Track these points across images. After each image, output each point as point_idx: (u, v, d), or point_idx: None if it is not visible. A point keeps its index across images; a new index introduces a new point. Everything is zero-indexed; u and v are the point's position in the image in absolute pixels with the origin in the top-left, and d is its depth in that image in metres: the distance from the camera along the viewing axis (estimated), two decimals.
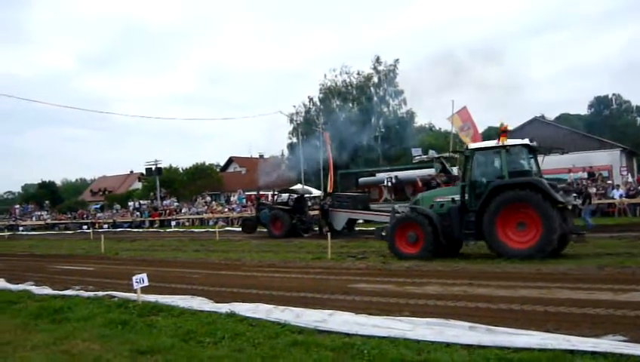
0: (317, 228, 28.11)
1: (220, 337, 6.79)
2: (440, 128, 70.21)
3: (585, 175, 31.71)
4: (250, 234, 28.94)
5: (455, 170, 31.07)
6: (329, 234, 18.50)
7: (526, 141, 14.70)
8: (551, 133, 47.17)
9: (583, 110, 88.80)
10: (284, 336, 6.73)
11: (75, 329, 7.87)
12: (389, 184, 34.73)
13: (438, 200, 15.21)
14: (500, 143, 13.95)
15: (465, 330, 6.35)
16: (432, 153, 30.74)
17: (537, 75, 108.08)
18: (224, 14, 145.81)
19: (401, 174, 35.57)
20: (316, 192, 44.42)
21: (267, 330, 7.04)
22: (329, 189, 35.73)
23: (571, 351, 5.29)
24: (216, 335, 6.89)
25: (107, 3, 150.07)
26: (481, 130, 33.63)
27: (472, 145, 15.24)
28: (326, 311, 7.80)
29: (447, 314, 7.22)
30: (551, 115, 74.59)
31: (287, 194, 29.76)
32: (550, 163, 34.60)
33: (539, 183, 13.40)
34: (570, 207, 14.27)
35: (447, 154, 28.59)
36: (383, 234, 15.81)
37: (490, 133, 40.97)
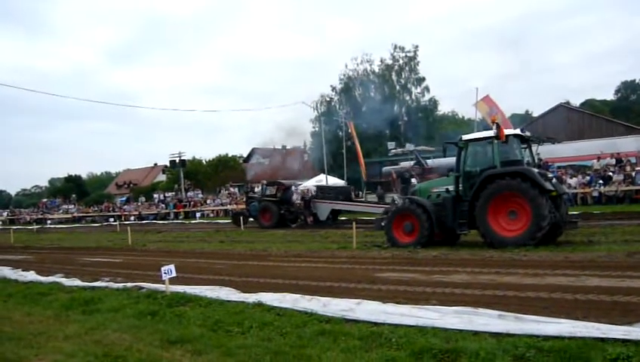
0: (302, 219, 29.07)
1: (247, 327, 6.85)
2: (463, 116, 69.49)
3: (613, 161, 31.15)
4: (240, 227, 29.60)
5: (430, 162, 31.34)
6: (354, 223, 18.49)
7: (517, 131, 15.00)
8: (576, 119, 46.54)
9: (609, 95, 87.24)
10: (311, 325, 6.75)
11: (106, 319, 8.01)
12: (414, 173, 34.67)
13: (435, 190, 15.67)
14: (496, 134, 13.94)
15: (493, 319, 6.30)
16: (408, 146, 31.20)
17: (563, 60, 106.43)
18: (246, 4, 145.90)
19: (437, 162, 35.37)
20: (340, 182, 44.42)
21: (294, 320, 7.07)
22: (364, 178, 35.68)
23: (602, 339, 5.22)
24: (244, 324, 6.95)
25: None
26: (506, 115, 33.42)
27: (466, 137, 15.40)
28: (353, 300, 7.80)
29: (475, 303, 7.18)
30: (576, 101, 73.47)
31: (274, 187, 30.61)
32: (580, 150, 34.31)
33: (528, 172, 13.53)
34: (563, 195, 14.55)
35: (420, 148, 29.18)
36: (383, 224, 16.10)
37: (514, 121, 40.55)
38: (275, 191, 29.77)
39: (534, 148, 15.18)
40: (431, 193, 15.64)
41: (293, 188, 30.08)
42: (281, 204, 29.07)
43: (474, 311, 6.66)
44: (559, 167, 31.39)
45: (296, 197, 28.74)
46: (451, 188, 15.00)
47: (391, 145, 36.86)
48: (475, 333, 5.89)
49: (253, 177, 40.99)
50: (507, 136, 14.11)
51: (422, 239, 14.71)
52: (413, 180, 26.38)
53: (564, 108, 50.05)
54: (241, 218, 30.30)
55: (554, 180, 14.58)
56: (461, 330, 6.01)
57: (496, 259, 11.75)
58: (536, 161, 15.01)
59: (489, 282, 9.15)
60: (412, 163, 35.54)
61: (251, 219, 30.46)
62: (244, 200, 33.93)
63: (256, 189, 34.98)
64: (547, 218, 13.09)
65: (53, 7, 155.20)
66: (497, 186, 13.70)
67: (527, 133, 15.12)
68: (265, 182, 32.91)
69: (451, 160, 29.54)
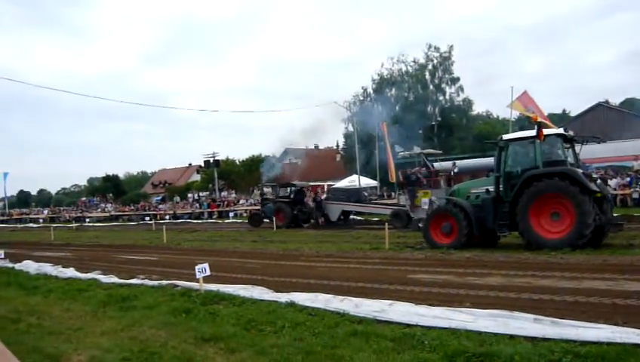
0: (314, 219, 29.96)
1: (280, 326, 6.89)
2: (497, 116, 68.55)
3: None
4: (256, 228, 30.55)
5: (437, 165, 31.62)
6: (386, 225, 18.40)
7: (560, 130, 14.56)
8: (615, 119, 45.41)
9: None
10: (343, 326, 6.76)
11: (142, 316, 8.16)
12: (452, 173, 34.38)
13: (474, 191, 15.34)
14: (540, 136, 13.61)
15: (529, 322, 6.20)
16: (416, 149, 31.46)
17: (601, 58, 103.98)
18: (277, 6, 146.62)
19: (462, 163, 35.13)
20: (372, 183, 44.28)
21: (327, 320, 7.09)
22: (391, 179, 35.77)
23: None
24: (277, 324, 6.99)
25: (165, 0, 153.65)
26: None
27: (506, 136, 15.10)
28: (385, 301, 7.78)
29: (510, 306, 7.07)
30: (616, 100, 71.66)
31: (288, 188, 31.62)
32: (619, 150, 33.47)
33: (573, 173, 13.16)
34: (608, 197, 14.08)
35: (427, 151, 29.46)
36: (420, 225, 15.81)
37: (551, 120, 39.75)
38: (289, 193, 30.64)
39: (577, 148, 14.70)
40: (470, 194, 15.35)
41: (305, 189, 31.31)
42: (294, 204, 29.86)
43: (509, 314, 6.57)
44: (598, 168, 30.68)
45: (308, 199, 29.96)
46: (491, 188, 14.68)
47: (399, 148, 37.08)
48: (510, 337, 5.82)
49: (282, 177, 41.34)
50: (547, 136, 13.81)
51: (461, 240, 14.47)
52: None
53: (603, 107, 48.91)
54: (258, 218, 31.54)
55: (598, 181, 14.13)
56: (495, 334, 5.94)
57: (531, 262, 11.56)
58: (578, 161, 14.57)
59: (524, 285, 9.01)
60: (451, 163, 35.24)
61: (267, 220, 31.05)
62: (260, 201, 34.86)
63: (264, 190, 35.76)
64: (592, 220, 12.72)
65: (90, 13, 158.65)
66: (540, 187, 13.37)
67: (571, 133, 14.64)
68: (279, 184, 33.98)
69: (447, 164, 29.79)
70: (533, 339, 5.68)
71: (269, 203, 31.42)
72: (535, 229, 13.44)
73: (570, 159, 14.31)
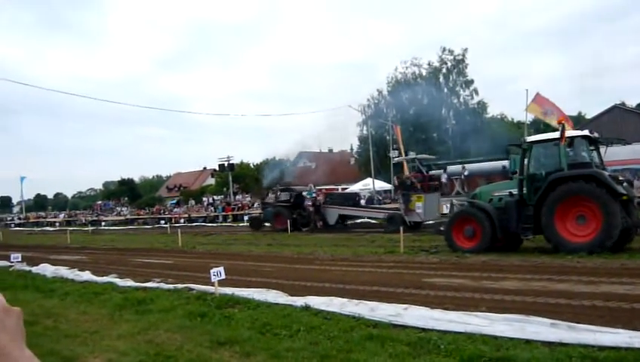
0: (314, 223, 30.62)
1: (295, 330, 6.90)
2: (512, 119, 68.03)
3: None
4: (257, 231, 31.37)
5: (449, 169, 32.13)
6: (402, 228, 18.37)
7: (585, 132, 14.36)
8: (632, 121, 44.92)
9: None
10: (358, 330, 6.75)
11: (157, 320, 8.20)
12: (462, 176, 34.41)
13: (497, 194, 15.14)
14: (562, 138, 13.46)
15: (546, 327, 6.16)
16: (411, 154, 32.16)
17: (616, 60, 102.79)
18: (291, 10, 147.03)
19: (472, 167, 35.10)
20: (386, 186, 44.20)
21: (342, 324, 7.08)
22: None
23: None
24: (292, 327, 7.00)
25: (179, 5, 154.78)
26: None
27: (530, 138, 14.92)
28: (400, 305, 7.76)
29: (526, 310, 7.03)
30: (633, 102, 70.92)
31: (287, 192, 32.19)
32: (636, 152, 33.11)
33: (599, 175, 12.97)
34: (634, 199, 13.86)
35: (420, 156, 30.08)
36: (441, 228, 15.70)
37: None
38: (289, 197, 31.29)
39: (602, 149, 14.47)
40: (492, 197, 15.14)
41: (304, 193, 32.14)
42: (293, 208, 30.50)
43: (525, 318, 6.52)
44: (615, 170, 30.33)
45: (307, 203, 30.67)
46: (515, 191, 14.48)
47: (393, 153, 37.55)
48: (527, 342, 5.78)
49: (296, 180, 41.81)
50: (571, 138, 13.65)
51: (484, 244, 14.27)
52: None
53: (620, 109, 48.36)
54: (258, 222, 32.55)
55: (624, 183, 13.93)
56: (512, 338, 5.91)
57: (547, 266, 11.46)
58: (603, 163, 14.36)
59: (541, 289, 8.94)
60: (460, 167, 35.25)
61: (267, 224, 31.93)
62: (260, 205, 35.88)
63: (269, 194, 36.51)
64: (619, 223, 12.53)
65: (105, 19, 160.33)
66: (566, 190, 13.18)
67: (596, 134, 14.44)
68: (278, 188, 34.46)
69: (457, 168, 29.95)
70: (549, 344, 5.64)
71: (269, 207, 32.19)
72: (561, 233, 13.21)
73: (596, 161, 14.11)
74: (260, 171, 63.13)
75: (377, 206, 33.49)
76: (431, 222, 25.12)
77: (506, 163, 32.88)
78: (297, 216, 30.20)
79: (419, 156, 32.49)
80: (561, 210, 13.27)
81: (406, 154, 35.45)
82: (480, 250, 14.11)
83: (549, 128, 28.94)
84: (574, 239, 13.08)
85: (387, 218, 26.27)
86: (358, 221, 30.64)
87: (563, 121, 14.51)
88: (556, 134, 13.86)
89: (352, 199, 31.18)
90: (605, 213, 12.60)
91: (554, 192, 13.33)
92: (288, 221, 29.10)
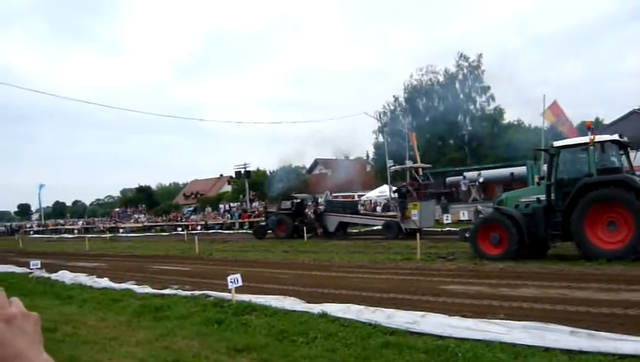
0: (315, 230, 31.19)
1: (312, 337, 6.90)
2: (529, 125, 67.57)
3: None
4: (261, 239, 31.97)
5: (467, 175, 32.33)
6: (417, 234, 18.32)
7: (615, 137, 14.05)
8: None
9: None
10: (375, 337, 6.74)
11: (175, 326, 8.24)
12: (477, 183, 34.28)
13: (523, 200, 14.86)
14: (591, 140, 13.29)
15: (565, 335, 6.10)
16: (407, 163, 33.19)
17: (634, 64, 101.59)
18: (306, 18, 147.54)
19: (489, 173, 34.98)
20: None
21: (359, 331, 7.07)
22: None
23: None
24: (309, 335, 7.01)
25: (196, 14, 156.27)
26: (574, 124, 32.42)
27: (557, 143, 14.71)
28: (418, 312, 7.73)
29: (545, 318, 6.97)
30: None
31: (289, 201, 33.02)
32: None
33: (630, 181, 12.75)
34: None
35: (416, 165, 32.95)
36: (467, 235, 15.50)
37: (583, 128, 38.97)
38: (290, 205, 32.05)
39: (632, 154, 14.25)
40: (519, 203, 14.83)
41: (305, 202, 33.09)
42: (295, 216, 31.23)
43: (544, 326, 6.46)
44: None
45: (309, 211, 31.61)
46: (542, 197, 14.21)
47: (390, 162, 38.24)
48: (546, 349, 5.73)
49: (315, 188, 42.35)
50: (601, 142, 13.45)
51: (511, 251, 13.95)
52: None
53: (638, 114, 47.81)
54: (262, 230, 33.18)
55: None
56: (530, 346, 5.86)
57: (566, 273, 11.35)
58: (633, 168, 14.12)
59: (560, 296, 8.86)
60: (476, 174, 35.15)
61: (270, 231, 32.58)
62: (264, 214, 36.82)
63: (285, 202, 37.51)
64: None
65: (123, 28, 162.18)
66: (596, 195, 12.93)
67: (626, 139, 14.17)
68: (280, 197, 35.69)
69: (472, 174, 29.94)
70: (569, 352, 5.59)
71: (272, 215, 32.98)
72: (591, 240, 12.94)
73: (626, 166, 13.91)
74: (267, 180, 63.43)
75: (376, 213, 34.53)
76: (427, 228, 26.07)
77: (514, 170, 33.34)
78: (299, 224, 30.83)
79: (415, 165, 33.37)
80: (592, 216, 13.01)
81: (413, 162, 35.78)
82: (507, 256, 13.84)
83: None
84: (605, 246, 12.79)
85: (384, 225, 27.02)
86: (363, 229, 31.05)
87: (591, 126, 14.28)
88: (585, 139, 13.65)
89: (352, 206, 31.82)
90: (637, 219, 12.36)
91: (583, 198, 13.07)
92: (297, 227, 29.91)
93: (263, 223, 34.64)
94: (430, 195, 31.20)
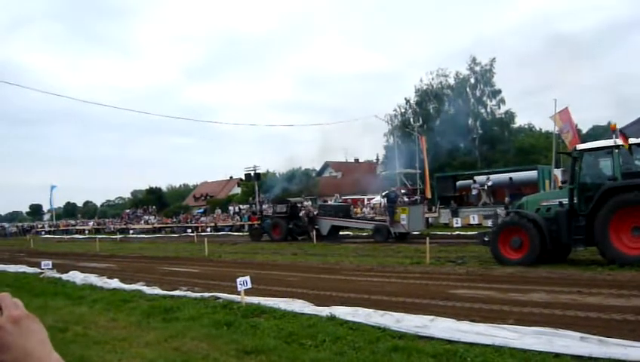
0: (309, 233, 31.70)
1: (321, 340, 6.91)
2: (540, 129, 67.19)
3: None
4: (257, 241, 32.47)
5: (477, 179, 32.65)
6: (427, 238, 18.31)
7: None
8: None
9: None
10: (384, 341, 6.73)
11: (184, 328, 8.28)
12: (486, 187, 34.17)
13: (545, 203, 14.57)
14: (621, 143, 13.09)
15: (575, 341, 6.07)
16: (399, 170, 36.37)
17: None
18: (316, 21, 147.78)
19: (498, 177, 34.87)
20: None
21: (367, 334, 7.07)
22: (426, 195, 36.13)
23: None
24: (318, 338, 7.01)
25: (207, 17, 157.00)
26: (585, 129, 32.32)
27: (581, 146, 14.47)
28: (427, 316, 7.72)
29: (555, 323, 6.93)
30: None
31: (283, 204, 33.59)
32: None
33: None
34: None
35: (405, 170, 34.83)
36: (486, 239, 15.30)
37: (596, 133, 38.75)
38: (285, 209, 32.62)
39: None
40: (540, 206, 14.56)
41: (299, 205, 33.82)
42: (289, 219, 31.77)
43: (554, 331, 6.43)
44: None
45: (302, 214, 31.99)
46: (565, 201, 13.95)
47: (380, 168, 39.00)
48: (556, 355, 5.71)
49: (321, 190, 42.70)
50: (631, 145, 13.24)
51: (532, 256, 13.69)
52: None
53: None
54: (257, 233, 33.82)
55: None
56: (540, 352, 5.84)
57: (577, 278, 11.28)
58: None
59: (570, 302, 8.81)
60: (485, 178, 35.05)
61: (266, 234, 33.04)
62: (259, 217, 37.20)
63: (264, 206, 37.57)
64: None
65: (135, 30, 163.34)
66: (620, 200, 12.70)
67: None
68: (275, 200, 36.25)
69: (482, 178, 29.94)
70: (579, 358, 5.56)
71: (267, 218, 33.61)
72: (615, 245, 12.70)
73: None
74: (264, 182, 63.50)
75: (367, 217, 35.21)
76: (416, 232, 26.77)
77: (512, 175, 33.50)
78: (293, 227, 31.44)
79: (404, 171, 33.78)
80: (616, 221, 12.77)
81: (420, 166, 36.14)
82: (527, 261, 13.62)
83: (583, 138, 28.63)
84: (631, 252, 12.55)
85: (374, 229, 27.38)
86: (364, 233, 31.16)
87: (616, 128, 14.08)
88: (609, 142, 13.46)
89: (344, 210, 32.19)
90: None
91: (607, 203, 12.85)
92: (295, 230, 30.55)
93: (258, 226, 35.30)
94: (421, 200, 31.92)
